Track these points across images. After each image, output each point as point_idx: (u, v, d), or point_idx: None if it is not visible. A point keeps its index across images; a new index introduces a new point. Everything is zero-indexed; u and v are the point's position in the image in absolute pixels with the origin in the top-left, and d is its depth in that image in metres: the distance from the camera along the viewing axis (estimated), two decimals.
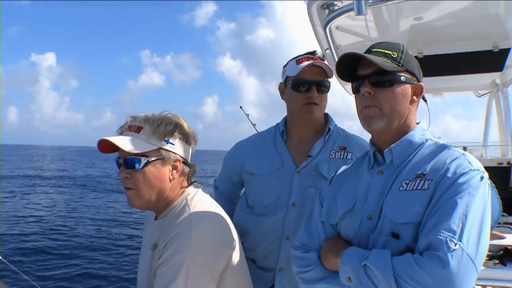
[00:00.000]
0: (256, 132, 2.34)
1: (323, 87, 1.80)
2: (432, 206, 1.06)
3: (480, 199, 1.05)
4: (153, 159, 1.35)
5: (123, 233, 11.52)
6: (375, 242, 1.14)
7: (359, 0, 1.61)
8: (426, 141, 1.23)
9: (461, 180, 1.06)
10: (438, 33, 2.56)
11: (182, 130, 1.43)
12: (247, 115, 3.40)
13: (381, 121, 1.19)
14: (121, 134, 1.40)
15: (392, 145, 1.21)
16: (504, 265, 2.33)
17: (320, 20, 2.12)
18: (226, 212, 1.48)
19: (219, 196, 2.09)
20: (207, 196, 1.49)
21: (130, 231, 11.82)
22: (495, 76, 3.86)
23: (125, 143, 1.32)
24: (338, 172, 1.44)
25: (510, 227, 3.15)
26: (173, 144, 1.40)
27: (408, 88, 1.21)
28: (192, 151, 1.51)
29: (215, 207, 1.44)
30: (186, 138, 1.45)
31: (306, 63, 1.77)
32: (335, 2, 1.95)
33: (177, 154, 1.41)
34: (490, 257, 2.39)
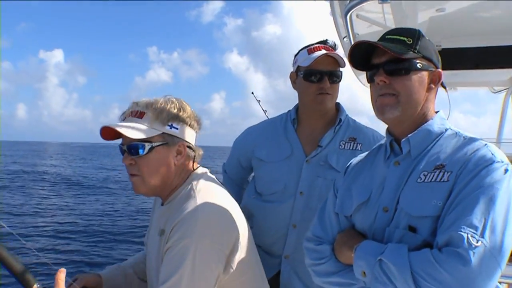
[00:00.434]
0: (267, 118, 2.33)
1: (335, 77, 1.80)
2: (452, 199, 1.02)
3: (504, 193, 0.99)
4: (157, 144, 1.34)
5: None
6: (391, 235, 1.11)
7: None
8: (446, 130, 1.18)
9: (483, 172, 1.01)
10: (459, 26, 2.49)
11: (185, 114, 1.41)
12: (259, 101, 3.38)
13: (395, 110, 1.15)
14: (123, 120, 1.38)
15: (409, 135, 1.16)
16: None
17: (341, 7, 2.09)
18: (235, 197, 1.48)
19: (228, 181, 2.10)
20: (213, 179, 1.47)
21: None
22: None
23: (128, 129, 1.30)
24: (354, 162, 1.40)
25: None
26: (177, 129, 1.38)
27: (425, 75, 1.16)
28: (196, 134, 1.49)
29: (221, 191, 1.43)
30: (190, 122, 1.43)
31: (318, 53, 1.77)
32: None
33: (181, 138, 1.39)
34: None
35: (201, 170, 1.48)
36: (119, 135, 1.32)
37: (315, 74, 1.77)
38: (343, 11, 2.07)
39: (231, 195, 1.47)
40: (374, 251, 1.06)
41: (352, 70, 2.70)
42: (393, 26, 2.44)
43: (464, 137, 1.14)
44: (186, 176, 1.43)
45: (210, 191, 1.38)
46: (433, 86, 1.19)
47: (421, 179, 1.10)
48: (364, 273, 1.07)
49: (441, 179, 1.06)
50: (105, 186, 21.53)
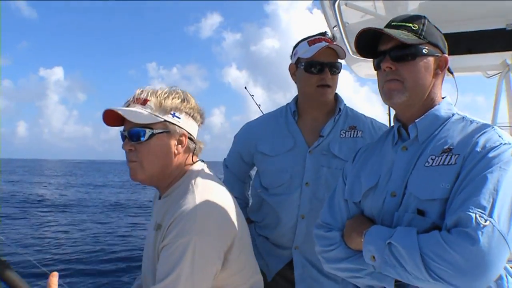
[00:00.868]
0: (262, 113, 2.33)
1: (335, 69, 1.83)
2: (460, 181, 1.02)
3: (511, 174, 1.00)
4: (158, 131, 1.34)
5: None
6: (400, 220, 1.11)
7: None
8: (453, 115, 1.19)
9: (491, 154, 1.02)
10: (450, 12, 2.48)
11: (189, 105, 1.42)
12: (252, 95, 3.38)
13: (402, 95, 1.16)
14: (127, 106, 1.38)
15: (417, 120, 1.18)
16: None
17: None
18: (237, 191, 1.47)
19: (230, 175, 2.11)
20: (212, 175, 1.47)
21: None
22: (506, 56, 3.76)
23: (130, 113, 1.31)
24: (362, 149, 1.41)
25: None
26: (179, 118, 1.38)
27: (431, 60, 1.18)
28: (199, 128, 1.49)
29: (219, 187, 1.42)
30: (193, 114, 1.43)
31: (319, 45, 1.79)
32: None
33: (183, 128, 1.39)
34: None
35: (200, 164, 1.47)
36: (121, 122, 1.32)
37: (316, 65, 1.79)
38: (331, 0, 2.06)
39: (233, 189, 1.46)
40: (383, 235, 1.07)
41: (346, 61, 2.69)
42: (384, 14, 2.42)
43: (471, 121, 1.15)
44: (185, 169, 1.43)
45: (208, 187, 1.37)
46: (440, 72, 1.20)
47: (428, 163, 1.11)
48: (374, 257, 1.07)
49: (448, 162, 1.07)
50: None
